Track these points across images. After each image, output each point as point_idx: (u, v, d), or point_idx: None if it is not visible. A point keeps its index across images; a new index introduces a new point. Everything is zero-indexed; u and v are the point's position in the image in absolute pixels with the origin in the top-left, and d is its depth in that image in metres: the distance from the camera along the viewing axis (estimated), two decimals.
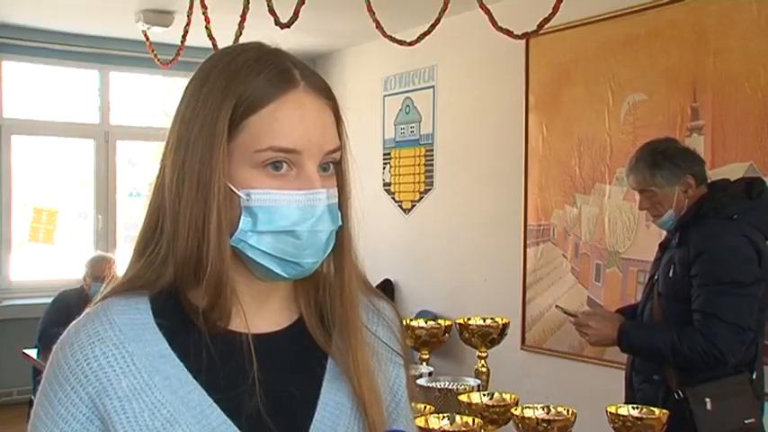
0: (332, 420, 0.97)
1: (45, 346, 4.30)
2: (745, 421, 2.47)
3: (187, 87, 0.96)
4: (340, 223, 0.96)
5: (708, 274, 2.46)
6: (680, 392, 2.48)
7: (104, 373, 0.90)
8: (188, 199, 0.91)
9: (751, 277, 2.45)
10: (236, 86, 0.91)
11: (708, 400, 2.44)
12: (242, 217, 0.91)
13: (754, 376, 2.57)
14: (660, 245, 2.77)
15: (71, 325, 0.95)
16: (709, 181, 2.70)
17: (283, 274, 0.93)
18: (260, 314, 0.98)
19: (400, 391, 1.05)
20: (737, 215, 2.51)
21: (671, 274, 2.56)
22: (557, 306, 2.93)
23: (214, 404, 0.91)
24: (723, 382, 2.48)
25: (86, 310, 0.96)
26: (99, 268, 4.54)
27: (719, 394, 2.46)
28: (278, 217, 0.91)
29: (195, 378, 0.92)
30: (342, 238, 0.98)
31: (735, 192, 2.59)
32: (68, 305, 4.35)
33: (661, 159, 2.60)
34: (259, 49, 0.96)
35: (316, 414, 0.96)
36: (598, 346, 2.89)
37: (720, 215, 2.51)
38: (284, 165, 0.91)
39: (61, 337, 0.94)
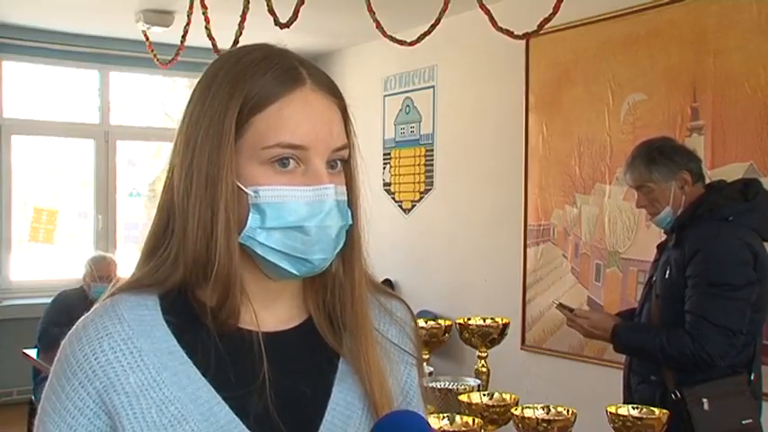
0: (342, 421, 0.96)
1: (45, 346, 4.30)
2: (743, 422, 2.47)
3: (195, 89, 0.96)
4: (350, 221, 0.96)
5: (701, 276, 2.47)
6: (677, 393, 2.49)
7: (112, 368, 0.90)
8: (196, 197, 0.91)
9: (743, 280, 2.46)
10: (242, 85, 0.91)
11: (705, 400, 2.44)
12: (250, 214, 0.91)
13: (752, 377, 2.57)
14: (658, 246, 2.78)
15: (79, 320, 0.95)
16: (708, 181, 2.72)
17: (293, 270, 0.93)
18: (269, 312, 0.97)
19: (412, 391, 1.05)
20: (733, 217, 2.51)
21: (667, 276, 2.58)
22: (553, 301, 2.93)
23: (222, 402, 0.91)
24: (720, 382, 2.49)
25: (95, 306, 0.96)
26: (100, 268, 4.54)
27: (717, 395, 2.46)
28: (286, 213, 0.91)
29: (204, 375, 0.92)
30: (351, 239, 0.98)
31: (731, 193, 2.60)
32: (69, 305, 4.34)
33: (657, 155, 2.63)
34: (266, 49, 0.96)
35: (326, 414, 0.96)
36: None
37: (716, 217, 2.52)
38: (291, 161, 0.91)
39: (69, 332, 0.94)
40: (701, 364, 2.45)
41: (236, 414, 0.91)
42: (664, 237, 2.78)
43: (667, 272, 2.58)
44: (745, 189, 2.60)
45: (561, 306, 2.84)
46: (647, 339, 2.57)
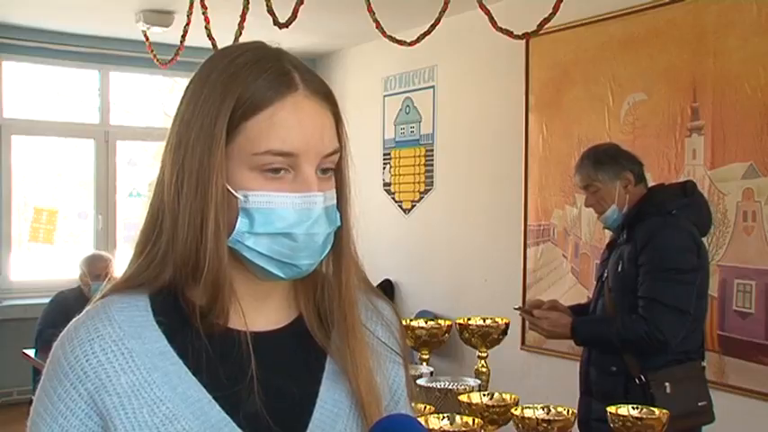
0: (330, 419, 0.97)
1: (42, 347, 4.29)
2: (699, 404, 2.69)
3: (188, 87, 0.96)
4: (338, 224, 0.96)
5: (651, 263, 2.66)
6: (642, 378, 2.65)
7: (103, 369, 0.91)
8: (187, 199, 0.91)
9: (689, 265, 2.67)
10: (235, 88, 0.91)
11: (667, 384, 2.63)
12: (239, 218, 0.91)
13: (704, 363, 2.80)
14: (607, 245, 2.98)
15: (71, 322, 0.95)
16: (687, 182, 2.93)
17: (280, 274, 0.94)
18: (259, 312, 0.98)
19: (399, 391, 1.06)
20: (676, 210, 2.74)
21: (620, 269, 2.75)
22: (514, 308, 3.05)
23: (213, 401, 0.92)
24: (680, 368, 2.68)
25: (86, 308, 0.96)
26: (97, 267, 4.53)
27: (677, 379, 2.65)
28: (274, 219, 0.91)
29: (194, 375, 0.92)
30: (340, 240, 0.98)
31: (672, 191, 2.87)
32: (66, 306, 4.34)
33: (604, 157, 2.87)
34: (259, 51, 0.95)
35: (314, 412, 0.96)
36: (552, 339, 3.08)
37: (662, 211, 2.73)
38: (282, 168, 0.91)
39: (61, 334, 0.95)
40: (655, 344, 2.60)
41: (227, 413, 0.92)
42: (610, 238, 2.99)
43: (619, 266, 2.75)
44: (683, 187, 2.87)
45: (521, 309, 2.97)
46: (603, 329, 2.75)
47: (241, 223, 0.91)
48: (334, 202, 0.96)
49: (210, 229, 0.90)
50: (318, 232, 0.93)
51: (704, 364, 2.81)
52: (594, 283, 3.02)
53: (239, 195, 0.91)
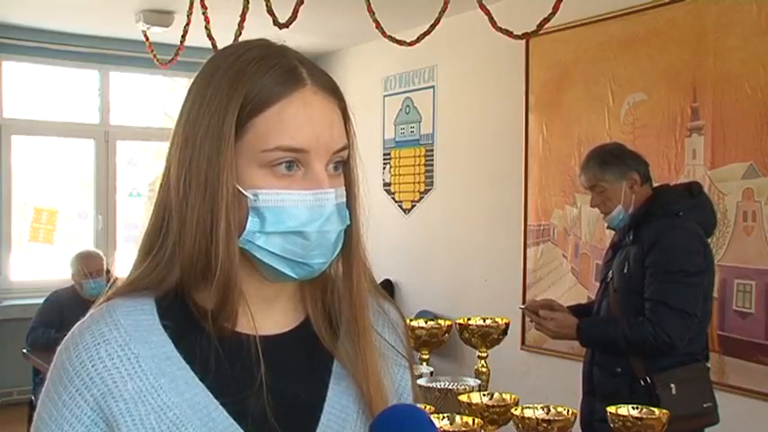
0: (338, 423, 0.96)
1: (31, 344, 4.29)
2: (704, 405, 2.69)
3: (192, 86, 0.95)
4: (349, 222, 0.95)
5: (658, 265, 2.65)
6: (647, 379, 2.64)
7: (110, 374, 0.89)
8: (195, 200, 0.90)
9: (696, 267, 2.66)
10: (241, 86, 0.89)
11: (672, 385, 2.63)
12: (249, 218, 0.90)
13: (708, 364, 2.80)
14: (611, 246, 2.96)
15: (75, 326, 0.94)
16: (691, 183, 2.94)
17: (292, 274, 0.92)
18: (267, 315, 0.97)
19: (405, 394, 1.05)
20: (683, 212, 2.73)
21: (625, 270, 2.74)
22: (520, 307, 3.11)
23: (220, 407, 0.90)
24: (685, 369, 2.68)
25: (90, 311, 0.95)
26: (89, 264, 4.52)
27: (683, 380, 2.65)
28: (286, 217, 0.89)
29: (202, 380, 0.91)
30: (350, 238, 0.97)
31: (678, 192, 2.87)
32: (61, 305, 4.34)
33: (610, 157, 2.86)
34: (265, 47, 0.94)
35: (322, 417, 0.95)
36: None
37: (668, 213, 2.73)
38: (292, 165, 0.90)
39: (65, 339, 0.93)
40: (662, 346, 2.59)
41: (235, 418, 0.90)
42: (614, 238, 2.96)
43: (625, 267, 2.74)
44: (689, 188, 2.86)
45: (527, 310, 2.96)
46: (609, 330, 2.72)
47: (251, 223, 0.90)
48: (344, 199, 0.95)
49: (222, 229, 0.88)
50: (331, 230, 0.91)
51: (709, 365, 2.80)
52: (594, 282, 3.01)
53: (249, 194, 0.89)
